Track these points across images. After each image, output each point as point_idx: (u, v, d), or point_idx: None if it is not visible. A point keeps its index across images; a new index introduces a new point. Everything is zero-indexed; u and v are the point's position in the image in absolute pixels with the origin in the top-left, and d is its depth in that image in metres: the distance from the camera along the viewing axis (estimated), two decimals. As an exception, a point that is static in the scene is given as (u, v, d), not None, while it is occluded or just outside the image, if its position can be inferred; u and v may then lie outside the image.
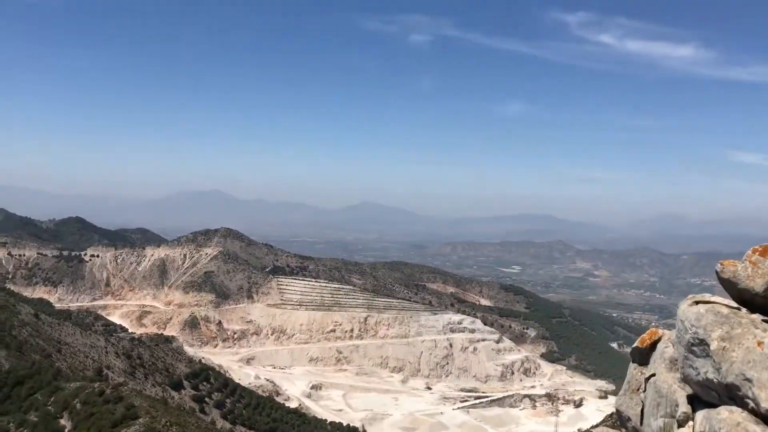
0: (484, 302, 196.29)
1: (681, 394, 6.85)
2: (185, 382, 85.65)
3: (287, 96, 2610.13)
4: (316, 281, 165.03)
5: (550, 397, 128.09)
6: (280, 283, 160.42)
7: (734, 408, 5.49)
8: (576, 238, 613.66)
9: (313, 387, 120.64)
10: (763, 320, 6.28)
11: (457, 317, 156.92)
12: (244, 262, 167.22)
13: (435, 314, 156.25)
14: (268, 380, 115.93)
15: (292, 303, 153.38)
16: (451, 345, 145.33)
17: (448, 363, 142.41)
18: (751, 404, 5.27)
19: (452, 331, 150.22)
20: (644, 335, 9.30)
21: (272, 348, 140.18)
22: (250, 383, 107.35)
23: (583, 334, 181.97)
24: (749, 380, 5.29)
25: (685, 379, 6.46)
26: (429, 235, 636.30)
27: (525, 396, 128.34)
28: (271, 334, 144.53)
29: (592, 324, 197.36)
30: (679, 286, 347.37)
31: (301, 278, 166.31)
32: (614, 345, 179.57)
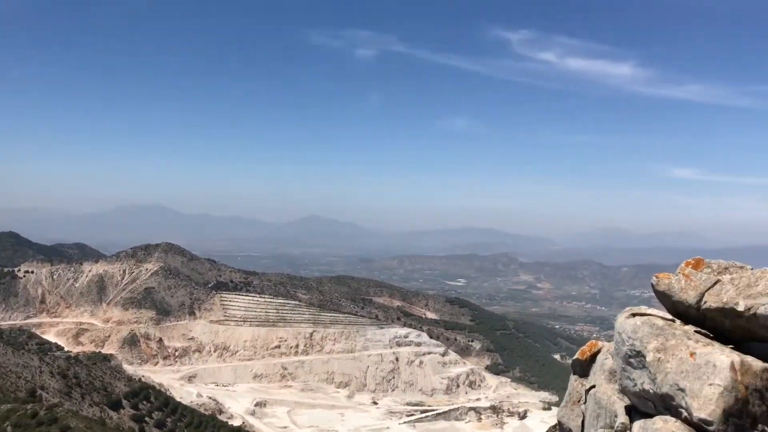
0: (430, 315, 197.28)
1: (620, 405, 6.99)
2: (124, 402, 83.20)
3: (233, 109, 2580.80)
4: (260, 296, 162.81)
5: (495, 410, 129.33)
6: (223, 298, 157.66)
7: (668, 417, 5.64)
8: (520, 251, 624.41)
9: (257, 404, 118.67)
10: (696, 331, 6.49)
11: (404, 331, 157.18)
12: (186, 277, 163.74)
13: (381, 328, 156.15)
14: (210, 398, 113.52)
15: (236, 319, 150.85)
16: (397, 359, 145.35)
17: (394, 377, 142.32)
18: (685, 413, 5.42)
19: (398, 344, 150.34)
20: (584, 347, 9.49)
21: (215, 365, 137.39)
22: (192, 401, 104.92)
23: (526, 346, 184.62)
24: (682, 390, 5.44)
25: (623, 390, 6.60)
26: (376, 249, 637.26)
27: (470, 409, 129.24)
28: (214, 351, 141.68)
29: (536, 336, 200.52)
30: (619, 297, 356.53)
31: (245, 294, 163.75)
32: (557, 356, 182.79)
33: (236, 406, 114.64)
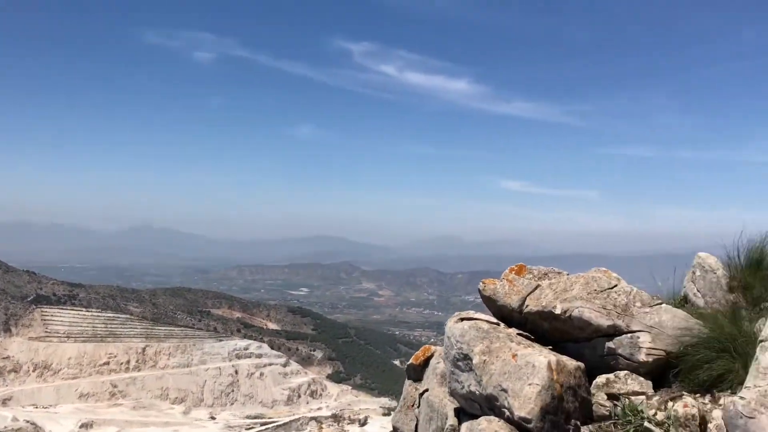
0: (272, 326, 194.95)
1: (450, 407, 7.19)
2: None
3: (54, 109, 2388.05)
4: (87, 311, 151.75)
5: (336, 418, 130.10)
6: (44, 313, 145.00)
7: (492, 418, 5.87)
8: (362, 259, 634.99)
9: (82, 425, 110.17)
10: (519, 334, 6.84)
11: (244, 343, 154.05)
12: (0, 291, 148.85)
13: (220, 341, 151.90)
14: (28, 422, 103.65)
15: (59, 335, 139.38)
16: (236, 372, 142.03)
17: (233, 390, 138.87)
18: (507, 413, 5.67)
19: (238, 357, 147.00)
20: (418, 352, 9.71)
21: (34, 386, 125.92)
22: (6, 427, 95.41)
23: (368, 353, 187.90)
24: (505, 390, 5.69)
25: (452, 393, 6.80)
26: (214, 259, 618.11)
27: (311, 419, 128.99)
28: (34, 371, 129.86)
29: (377, 343, 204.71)
30: (455, 303, 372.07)
31: (69, 308, 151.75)
32: (397, 362, 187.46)
33: (59, 429, 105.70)
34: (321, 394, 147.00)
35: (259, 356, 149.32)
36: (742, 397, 4.53)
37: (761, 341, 5.60)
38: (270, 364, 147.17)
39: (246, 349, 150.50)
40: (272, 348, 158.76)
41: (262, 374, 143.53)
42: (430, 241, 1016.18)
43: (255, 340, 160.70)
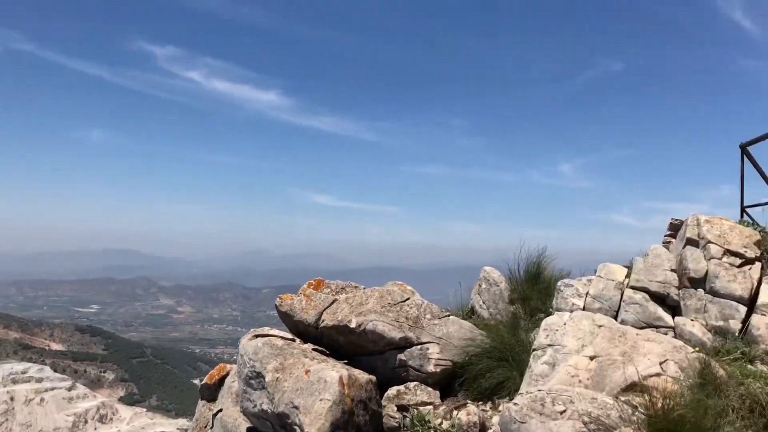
0: (56, 347, 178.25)
1: (244, 426, 6.97)
2: None
3: None
4: None
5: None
6: None
7: (282, 436, 5.75)
8: (160, 274, 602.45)
9: None
10: (314, 349, 6.80)
11: (21, 366, 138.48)
12: None
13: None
14: None
15: None
16: (12, 399, 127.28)
17: (7, 420, 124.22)
18: (298, 430, 5.58)
19: (14, 382, 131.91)
20: (213, 371, 9.36)
21: None
22: None
23: (165, 373, 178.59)
24: (297, 407, 5.60)
25: (244, 412, 6.60)
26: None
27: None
28: None
29: (175, 361, 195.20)
30: (259, 318, 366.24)
31: None
32: (196, 381, 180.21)
33: None
34: (112, 419, 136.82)
35: (40, 380, 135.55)
36: (515, 403, 4.83)
37: (534, 350, 6.08)
38: (52, 389, 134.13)
39: (24, 372, 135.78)
40: (56, 371, 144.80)
41: (42, 400, 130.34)
42: (236, 254, 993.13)
43: (36, 362, 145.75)
